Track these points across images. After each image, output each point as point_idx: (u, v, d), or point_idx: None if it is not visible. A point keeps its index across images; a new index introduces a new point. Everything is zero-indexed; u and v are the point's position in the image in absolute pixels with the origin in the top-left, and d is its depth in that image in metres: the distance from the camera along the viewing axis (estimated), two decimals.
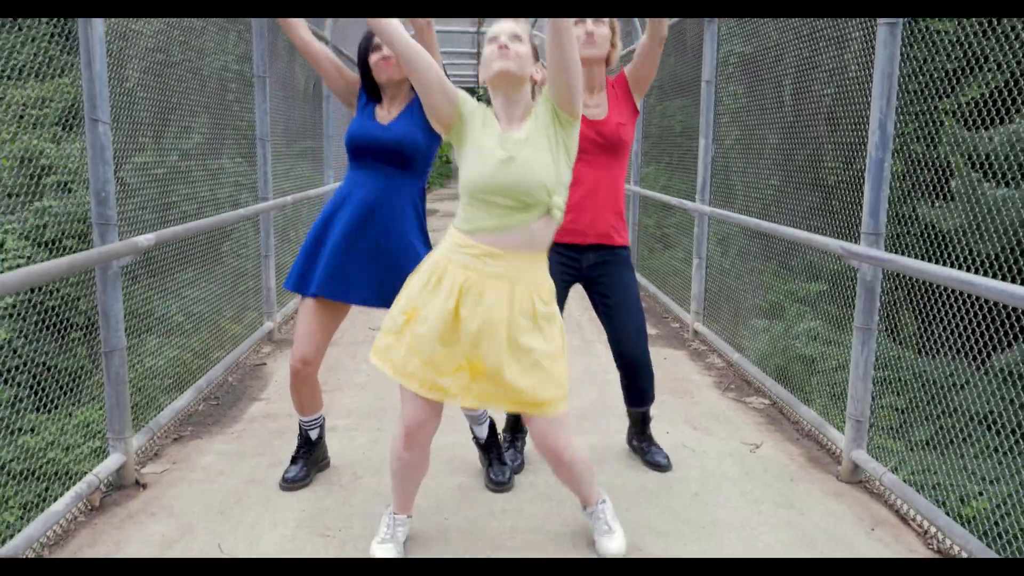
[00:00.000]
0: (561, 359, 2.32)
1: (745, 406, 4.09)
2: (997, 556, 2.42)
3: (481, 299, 2.21)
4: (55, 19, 3.20)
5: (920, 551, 2.64)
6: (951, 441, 3.12)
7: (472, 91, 19.32)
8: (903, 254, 3.20)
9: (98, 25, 2.79)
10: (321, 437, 3.18)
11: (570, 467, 2.44)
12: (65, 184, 3.74)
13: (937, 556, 2.61)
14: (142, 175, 3.67)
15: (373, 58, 2.81)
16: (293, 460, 3.15)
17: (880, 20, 2.88)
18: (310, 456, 3.15)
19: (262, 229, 5.15)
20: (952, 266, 2.79)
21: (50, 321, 3.42)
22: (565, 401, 2.33)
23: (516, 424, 3.31)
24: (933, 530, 2.70)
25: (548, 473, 3.16)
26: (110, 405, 2.99)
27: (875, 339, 3.08)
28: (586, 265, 3.09)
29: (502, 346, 2.22)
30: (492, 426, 3.14)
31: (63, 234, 3.65)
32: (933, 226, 3.18)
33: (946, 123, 3.14)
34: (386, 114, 2.86)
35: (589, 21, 2.96)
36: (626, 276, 3.13)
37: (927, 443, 3.24)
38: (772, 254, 4.45)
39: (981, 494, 2.99)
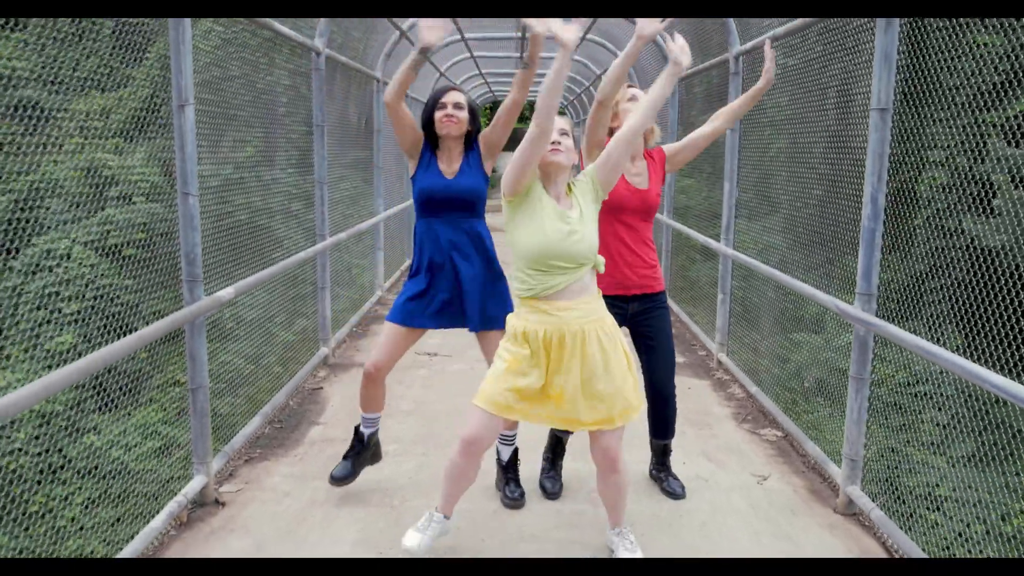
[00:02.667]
0: (629, 375, 2.81)
1: (759, 438, 4.44)
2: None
3: (562, 345, 2.73)
4: (118, 32, 3.35)
5: None
6: (993, 457, 3.17)
7: None
8: (947, 268, 3.31)
9: (189, 113, 3.27)
10: (373, 437, 3.67)
11: (620, 477, 2.93)
12: (128, 196, 3.90)
13: None
14: (199, 185, 3.90)
15: (438, 114, 3.30)
16: (344, 457, 3.65)
17: (872, 107, 3.23)
18: (358, 456, 3.64)
19: (318, 264, 5.64)
20: (997, 283, 2.89)
21: (112, 326, 3.58)
22: (636, 410, 2.83)
23: (556, 448, 3.73)
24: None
25: (574, 501, 3.57)
26: (195, 435, 3.48)
27: (868, 387, 3.42)
28: (631, 313, 3.54)
29: (578, 380, 2.73)
30: (515, 451, 3.61)
31: (124, 243, 3.79)
32: (979, 240, 3.17)
33: (990, 139, 3.12)
34: (447, 168, 3.36)
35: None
36: (665, 322, 3.60)
37: (969, 459, 3.30)
38: (813, 264, 4.46)
39: (1023, 512, 3.03)
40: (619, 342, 2.83)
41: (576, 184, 2.82)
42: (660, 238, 8.23)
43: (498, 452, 3.63)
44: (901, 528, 3.15)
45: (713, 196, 6.64)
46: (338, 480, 3.58)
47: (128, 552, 2.90)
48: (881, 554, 3.19)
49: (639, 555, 3.02)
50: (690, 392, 5.24)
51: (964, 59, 3.25)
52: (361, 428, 3.65)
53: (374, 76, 7.47)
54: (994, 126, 3.20)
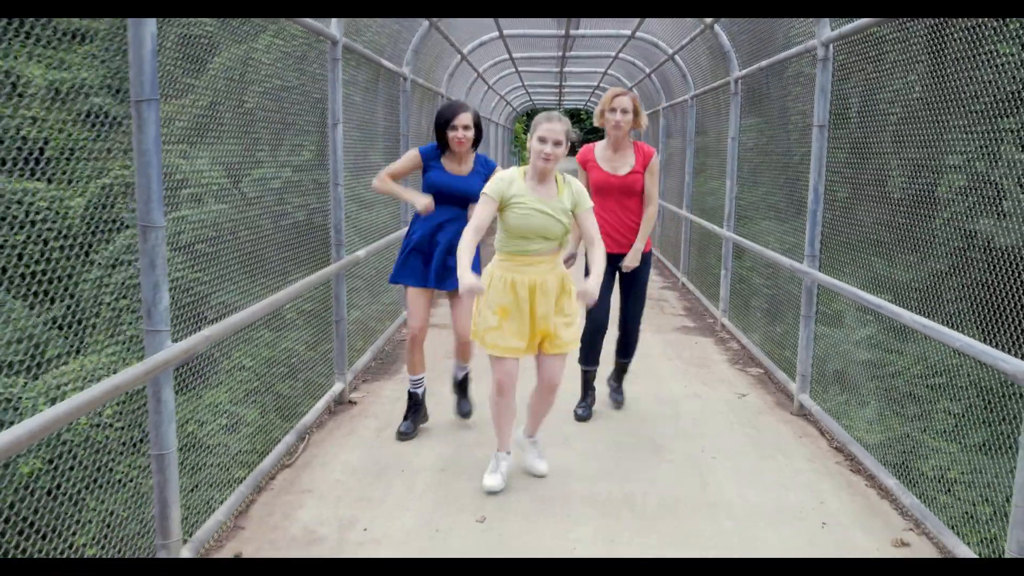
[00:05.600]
0: (579, 317, 3.77)
1: (746, 374, 5.83)
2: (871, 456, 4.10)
3: (542, 289, 3.59)
4: (181, 45, 3.49)
5: (824, 447, 4.37)
6: (1000, 445, 3.39)
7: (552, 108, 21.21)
8: (966, 268, 3.68)
9: (340, 129, 4.75)
10: (423, 400, 4.55)
11: (553, 397, 3.81)
12: (198, 196, 4.08)
13: (835, 451, 4.33)
14: (259, 187, 4.35)
15: (451, 134, 4.14)
16: (404, 418, 4.51)
17: (814, 124, 4.61)
18: (415, 416, 4.53)
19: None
20: (1011, 281, 3.13)
21: (185, 315, 3.70)
22: (577, 342, 3.80)
23: (586, 389, 4.96)
24: (835, 439, 4.42)
25: (598, 429, 5.00)
26: (336, 354, 4.97)
27: (814, 322, 4.80)
28: (620, 265, 4.69)
29: (553, 314, 3.63)
30: (467, 374, 4.70)
31: (195, 239, 4.03)
32: (992, 241, 3.35)
33: (1004, 146, 3.29)
34: (456, 168, 4.25)
35: (618, 112, 4.47)
36: (643, 275, 4.72)
37: (981, 446, 3.64)
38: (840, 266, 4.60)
39: None
40: (572, 288, 3.63)
41: (566, 186, 3.60)
42: (679, 230, 9.62)
43: (455, 374, 4.66)
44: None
45: (741, 197, 7.57)
46: (404, 435, 4.38)
47: (306, 420, 4.38)
48: (817, 436, 4.56)
49: (544, 463, 3.94)
50: (696, 345, 6.64)
51: (983, 68, 3.38)
52: (411, 390, 4.51)
53: (439, 92, 8.97)
54: (1010, 132, 3.43)
